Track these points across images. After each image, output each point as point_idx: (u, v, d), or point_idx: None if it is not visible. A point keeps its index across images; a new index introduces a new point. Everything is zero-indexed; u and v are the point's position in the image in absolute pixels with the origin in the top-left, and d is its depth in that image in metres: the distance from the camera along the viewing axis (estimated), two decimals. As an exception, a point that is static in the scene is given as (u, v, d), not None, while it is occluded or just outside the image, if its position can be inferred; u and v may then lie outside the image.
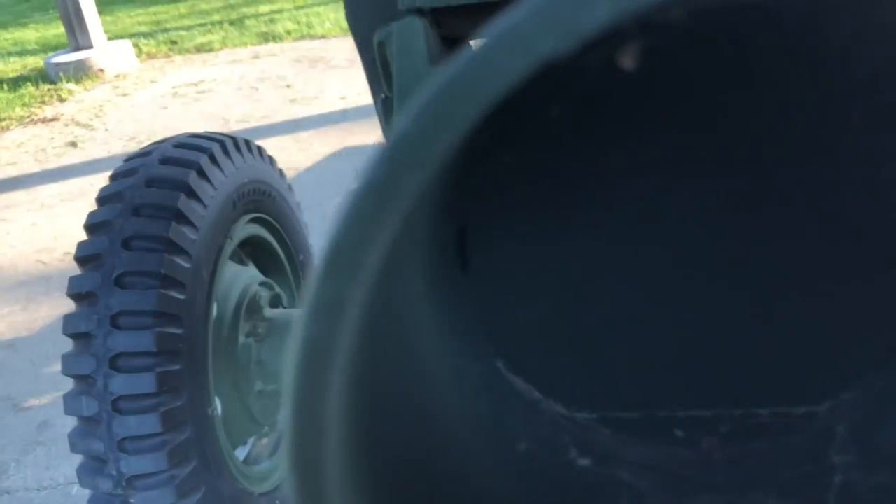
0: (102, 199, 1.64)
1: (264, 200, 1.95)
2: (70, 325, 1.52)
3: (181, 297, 1.54)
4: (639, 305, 0.48)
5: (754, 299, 0.45)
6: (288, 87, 6.26)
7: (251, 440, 1.97)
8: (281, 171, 2.11)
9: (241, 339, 1.80)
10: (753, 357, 0.47)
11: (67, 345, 3.11)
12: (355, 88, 5.95)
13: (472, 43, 0.40)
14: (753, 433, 0.45)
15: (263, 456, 1.98)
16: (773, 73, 0.40)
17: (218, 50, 7.86)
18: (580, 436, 0.44)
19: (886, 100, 0.38)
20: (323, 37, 7.77)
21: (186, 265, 1.57)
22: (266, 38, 8.00)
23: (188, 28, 8.98)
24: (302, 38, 7.84)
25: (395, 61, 0.58)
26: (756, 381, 0.46)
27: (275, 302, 1.97)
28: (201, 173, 1.67)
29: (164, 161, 1.67)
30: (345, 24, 7.46)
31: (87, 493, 2.35)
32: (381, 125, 0.87)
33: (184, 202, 1.60)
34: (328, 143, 4.83)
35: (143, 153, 1.73)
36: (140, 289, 1.50)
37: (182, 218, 1.59)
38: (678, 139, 0.45)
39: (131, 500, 1.51)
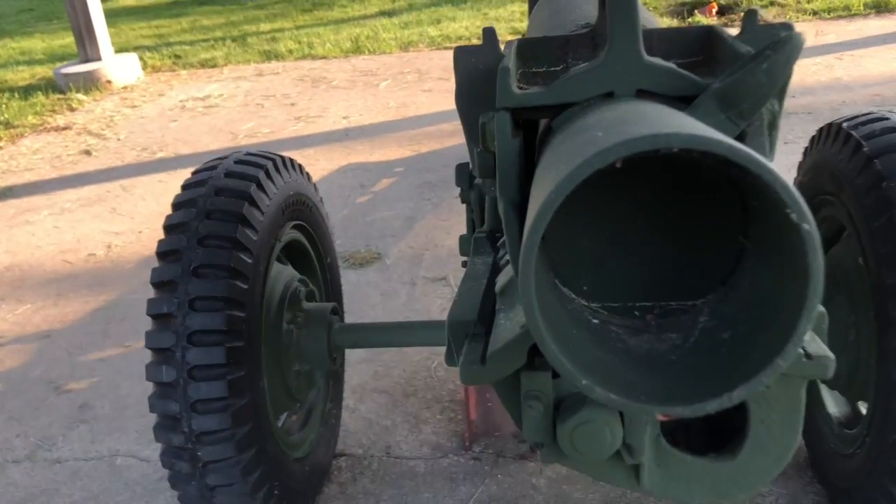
0: (177, 204, 1.96)
1: (304, 210, 2.29)
2: (153, 307, 1.83)
3: (245, 286, 1.87)
4: (619, 253, 0.96)
5: (672, 252, 0.87)
6: (292, 104, 6.59)
7: (284, 415, 2.29)
8: (315, 186, 2.45)
9: (284, 326, 2.13)
10: (669, 278, 0.95)
11: (99, 336, 3.41)
12: (356, 109, 6.30)
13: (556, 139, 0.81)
14: (669, 312, 0.93)
15: (295, 429, 2.30)
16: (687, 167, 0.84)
17: (222, 66, 8.18)
18: (592, 312, 0.86)
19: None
20: (324, 57, 8.11)
21: (249, 261, 1.90)
22: (268, 56, 8.34)
23: (191, 43, 9.29)
24: (303, 57, 8.18)
25: (496, 135, 0.99)
26: (670, 290, 0.94)
27: (309, 297, 2.30)
28: (259, 186, 2.01)
29: (229, 174, 2.01)
30: (344, 45, 7.77)
31: (129, 463, 2.66)
32: (472, 164, 1.24)
33: (247, 209, 1.93)
34: (333, 160, 5.17)
35: (209, 167, 2.06)
36: (213, 279, 1.83)
37: (245, 222, 1.92)
38: (639, 182, 0.88)
39: (199, 453, 1.83)
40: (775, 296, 0.81)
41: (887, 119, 1.87)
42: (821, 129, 2.07)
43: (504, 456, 2.46)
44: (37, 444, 2.78)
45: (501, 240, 1.40)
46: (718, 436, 1.20)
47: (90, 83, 7.49)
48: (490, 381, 1.11)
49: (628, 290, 0.96)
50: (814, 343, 1.06)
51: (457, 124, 5.90)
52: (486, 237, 1.42)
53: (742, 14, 6.65)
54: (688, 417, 0.94)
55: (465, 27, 8.53)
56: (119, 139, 6.13)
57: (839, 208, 1.93)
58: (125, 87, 7.62)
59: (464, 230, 3.94)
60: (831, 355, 1.08)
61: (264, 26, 9.86)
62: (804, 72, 5.92)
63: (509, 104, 1.09)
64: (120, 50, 8.65)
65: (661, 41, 1.21)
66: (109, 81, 7.63)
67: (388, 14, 9.85)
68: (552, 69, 1.26)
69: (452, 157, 4.98)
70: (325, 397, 2.44)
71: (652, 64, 1.07)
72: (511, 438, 2.50)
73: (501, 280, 1.20)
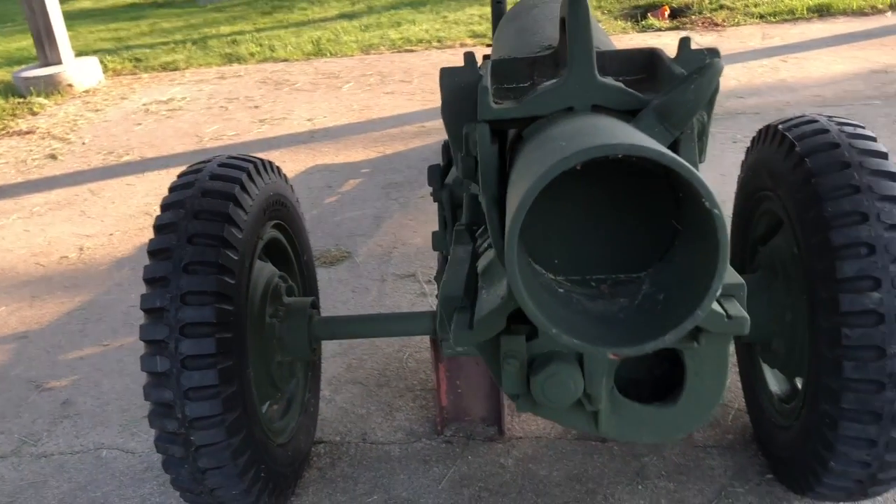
0: (166, 206, 2.08)
1: (282, 210, 2.43)
2: (147, 302, 1.95)
3: (232, 281, 2.01)
4: (578, 237, 1.17)
5: (621, 235, 1.05)
6: (256, 107, 6.68)
7: (267, 403, 2.42)
8: (292, 187, 2.58)
9: (267, 319, 2.26)
10: (619, 255, 1.13)
11: (77, 336, 3.50)
12: (320, 111, 6.42)
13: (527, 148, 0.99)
14: (619, 282, 1.13)
15: (277, 417, 2.43)
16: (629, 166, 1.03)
17: (183, 69, 8.23)
18: (559, 284, 1.05)
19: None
20: (285, 60, 8.20)
21: (235, 257, 2.03)
22: (230, 59, 8.40)
23: (151, 46, 9.31)
24: (265, 60, 8.27)
25: (477, 143, 1.17)
26: (620, 265, 1.14)
27: (289, 292, 2.44)
28: (242, 187, 2.14)
29: (213, 177, 2.13)
30: (306, 48, 7.90)
31: (114, 455, 2.77)
32: (457, 166, 1.40)
33: (232, 209, 2.07)
34: (299, 162, 5.29)
35: (194, 171, 2.18)
36: (202, 274, 1.96)
37: (231, 221, 2.05)
38: (595, 179, 1.06)
39: (192, 438, 1.96)
40: (697, 265, 1.05)
41: (817, 122, 2.07)
42: (760, 131, 2.27)
43: (473, 439, 2.62)
44: (21, 440, 2.87)
45: (479, 230, 1.59)
46: (662, 389, 1.41)
47: (51, 87, 7.49)
48: (476, 343, 1.32)
49: (586, 265, 1.19)
50: (734, 308, 1.30)
51: (419, 126, 6.08)
52: (465, 229, 1.62)
53: (692, 16, 6.86)
54: (632, 356, 1.20)
55: (426, 30, 8.68)
56: (84, 143, 6.17)
57: (777, 203, 2.13)
58: (87, 91, 7.63)
59: (431, 228, 4.10)
60: (747, 316, 1.31)
61: (224, 29, 9.91)
62: (752, 74, 6.19)
63: (488, 117, 1.32)
64: (79, 53, 8.64)
65: (612, 62, 1.41)
66: (70, 85, 7.64)
67: (349, 17, 9.96)
68: (521, 86, 1.46)
69: (417, 158, 5.14)
70: (303, 387, 2.58)
71: (604, 84, 1.30)
72: (479, 423, 2.67)
73: (482, 263, 1.41)
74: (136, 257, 4.18)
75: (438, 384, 2.63)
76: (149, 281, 1.99)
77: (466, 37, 8.28)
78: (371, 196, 4.63)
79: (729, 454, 2.46)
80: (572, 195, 1.12)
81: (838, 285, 1.82)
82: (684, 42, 1.39)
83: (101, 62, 8.32)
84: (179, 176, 2.21)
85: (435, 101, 6.32)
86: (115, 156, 5.81)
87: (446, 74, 1.37)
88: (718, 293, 0.99)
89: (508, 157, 1.32)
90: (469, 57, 1.38)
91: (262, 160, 2.33)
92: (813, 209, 1.90)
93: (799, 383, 2.19)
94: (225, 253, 2.00)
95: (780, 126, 2.14)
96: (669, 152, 0.93)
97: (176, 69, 8.23)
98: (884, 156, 1.93)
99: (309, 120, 6.22)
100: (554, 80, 1.33)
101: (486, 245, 1.48)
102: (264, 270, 2.31)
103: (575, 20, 1.25)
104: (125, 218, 4.68)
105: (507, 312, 1.29)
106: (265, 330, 2.25)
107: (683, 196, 1.05)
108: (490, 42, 3.04)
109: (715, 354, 1.38)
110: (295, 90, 7.10)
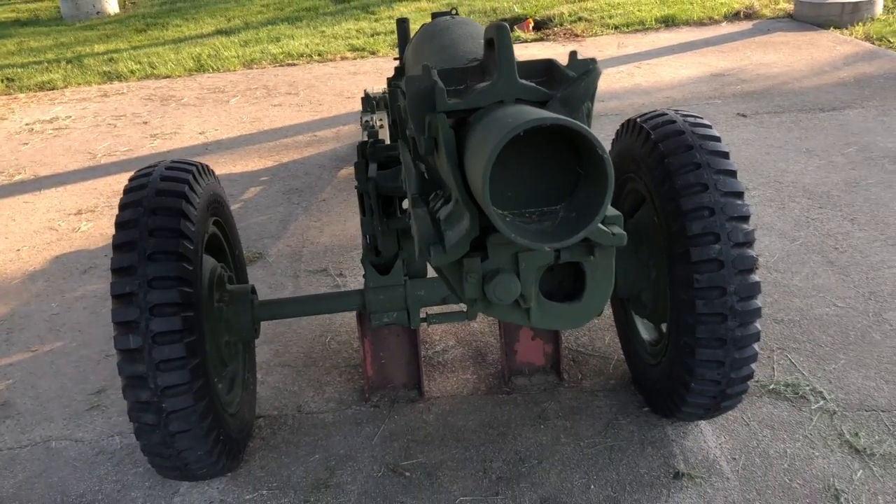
0: (124, 205, 2.35)
1: (219, 208, 2.73)
2: (117, 288, 2.22)
3: (190, 268, 2.31)
4: (517, 182, 1.63)
5: (544, 179, 1.51)
6: (145, 123, 6.80)
7: (216, 380, 2.71)
8: (223, 189, 2.89)
9: (215, 304, 2.57)
10: (543, 194, 1.58)
11: (3, 345, 3.63)
12: (211, 124, 6.62)
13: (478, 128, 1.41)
14: (543, 212, 1.59)
15: (224, 391, 2.73)
16: (563, 136, 1.48)
17: (62, 88, 8.19)
18: (505, 215, 1.49)
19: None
20: (168, 76, 8.31)
21: (191, 247, 2.33)
22: (109, 77, 8.42)
23: (22, 66, 9.16)
24: (147, 77, 8.34)
25: (440, 131, 1.60)
26: (543, 200, 1.60)
27: (230, 280, 2.74)
28: (190, 187, 2.44)
29: (164, 179, 2.43)
30: (187, 64, 8.10)
31: (64, 445, 2.98)
32: (419, 147, 1.82)
33: (184, 206, 2.37)
34: (198, 173, 5.49)
35: (144, 174, 2.46)
36: (166, 262, 2.25)
37: (185, 216, 2.35)
38: (532, 145, 1.50)
39: (163, 405, 2.24)
40: (594, 195, 1.56)
41: (666, 115, 2.58)
42: (623, 124, 2.77)
43: (398, 402, 2.99)
44: (-33, 440, 3.02)
45: (431, 196, 2.02)
46: (570, 295, 1.91)
47: (-78, 109, 7.32)
48: (449, 262, 1.84)
49: (522, 202, 1.67)
50: (615, 229, 1.83)
51: (311, 136, 6.38)
52: (418, 196, 2.03)
53: (554, 28, 7.51)
54: (554, 265, 1.86)
55: (305, 45, 8.97)
56: (-31, 164, 6.12)
57: (639, 182, 2.62)
58: (-39, 113, 7.50)
59: (336, 227, 4.46)
60: (624, 234, 1.85)
61: (99, 47, 9.85)
62: (611, 80, 6.86)
63: (445, 109, 1.80)
64: (-54, 74, 8.43)
65: (522, 68, 1.87)
66: (-58, 107, 7.48)
67: (226, 33, 10.11)
68: (458, 88, 1.93)
69: (313, 164, 5.46)
70: (243, 366, 2.88)
71: (523, 84, 1.81)
72: (402, 388, 3.04)
73: (442, 214, 1.85)
74: (50, 270, 4.31)
75: (364, 356, 2.99)
76: (117, 271, 2.26)
77: (346, 50, 8.64)
78: (274, 202, 4.92)
79: (613, 395, 2.94)
80: (511, 155, 1.54)
81: (689, 241, 2.31)
82: (573, 54, 1.87)
83: (-28, 83, 8.17)
84: (131, 180, 2.48)
85: (323, 111, 6.67)
86: (6, 175, 5.82)
87: (410, 81, 1.79)
88: (607, 208, 1.51)
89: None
90: (426, 69, 1.81)
91: (201, 164, 2.63)
92: (666, 183, 2.40)
93: (664, 328, 2.69)
94: (183, 243, 2.30)
95: (638, 119, 2.64)
96: (578, 122, 1.42)
97: (54, 88, 8.18)
98: (718, 140, 2.45)
99: (201, 133, 6.41)
100: (487, 83, 1.80)
101: (439, 204, 1.92)
102: (208, 262, 2.61)
103: (501, 41, 1.76)
104: (30, 234, 4.77)
105: (469, 241, 1.79)
106: (214, 313, 2.55)
107: (583, 151, 1.52)
108: (397, 55, 3.48)
109: (604, 264, 1.93)
110: (182, 105, 7.25)
